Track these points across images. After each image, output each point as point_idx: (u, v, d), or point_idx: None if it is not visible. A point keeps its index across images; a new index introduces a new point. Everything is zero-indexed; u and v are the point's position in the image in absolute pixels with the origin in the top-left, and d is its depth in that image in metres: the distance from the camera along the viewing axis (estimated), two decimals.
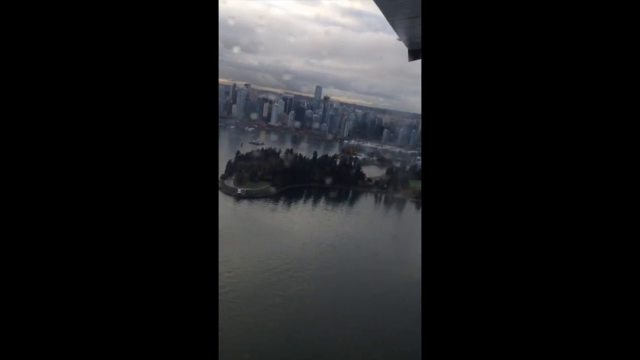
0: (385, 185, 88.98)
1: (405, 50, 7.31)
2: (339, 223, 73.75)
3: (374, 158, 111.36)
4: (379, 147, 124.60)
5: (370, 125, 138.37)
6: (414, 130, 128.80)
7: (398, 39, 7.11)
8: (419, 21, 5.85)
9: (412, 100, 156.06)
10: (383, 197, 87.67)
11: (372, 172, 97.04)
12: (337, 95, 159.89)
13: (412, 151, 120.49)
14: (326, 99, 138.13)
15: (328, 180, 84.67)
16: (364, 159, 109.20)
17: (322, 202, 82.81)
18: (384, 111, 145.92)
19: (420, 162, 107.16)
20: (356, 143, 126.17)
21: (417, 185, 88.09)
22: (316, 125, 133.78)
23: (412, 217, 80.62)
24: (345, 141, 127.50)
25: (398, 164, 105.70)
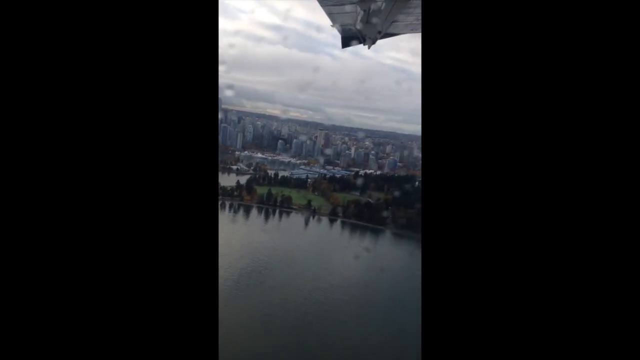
0: (229, 192, 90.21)
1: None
2: None
3: (250, 169, 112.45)
4: (270, 158, 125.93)
5: (267, 136, 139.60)
6: (307, 142, 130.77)
7: (332, 25, 7.44)
8: (350, 8, 6.10)
9: (336, 113, 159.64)
10: (228, 203, 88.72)
11: (241, 180, 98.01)
12: (270, 109, 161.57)
13: (302, 161, 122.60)
14: (226, 111, 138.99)
15: None
16: (237, 169, 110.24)
17: None
18: (306, 124, 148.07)
19: (299, 170, 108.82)
20: (249, 154, 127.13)
21: (261, 190, 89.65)
22: None
23: (255, 219, 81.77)
24: (237, 152, 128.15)
25: (271, 173, 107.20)
